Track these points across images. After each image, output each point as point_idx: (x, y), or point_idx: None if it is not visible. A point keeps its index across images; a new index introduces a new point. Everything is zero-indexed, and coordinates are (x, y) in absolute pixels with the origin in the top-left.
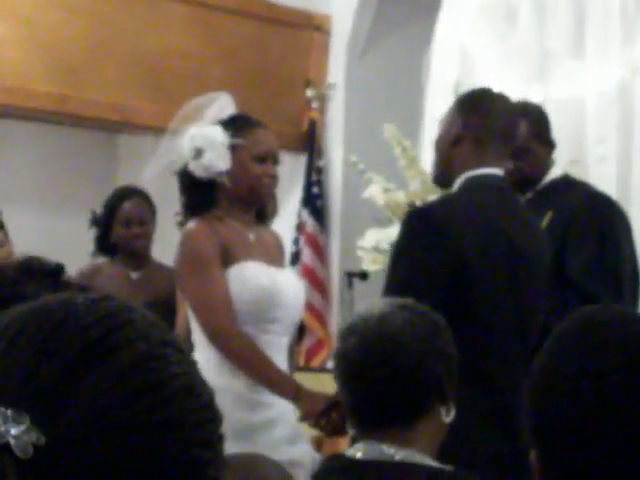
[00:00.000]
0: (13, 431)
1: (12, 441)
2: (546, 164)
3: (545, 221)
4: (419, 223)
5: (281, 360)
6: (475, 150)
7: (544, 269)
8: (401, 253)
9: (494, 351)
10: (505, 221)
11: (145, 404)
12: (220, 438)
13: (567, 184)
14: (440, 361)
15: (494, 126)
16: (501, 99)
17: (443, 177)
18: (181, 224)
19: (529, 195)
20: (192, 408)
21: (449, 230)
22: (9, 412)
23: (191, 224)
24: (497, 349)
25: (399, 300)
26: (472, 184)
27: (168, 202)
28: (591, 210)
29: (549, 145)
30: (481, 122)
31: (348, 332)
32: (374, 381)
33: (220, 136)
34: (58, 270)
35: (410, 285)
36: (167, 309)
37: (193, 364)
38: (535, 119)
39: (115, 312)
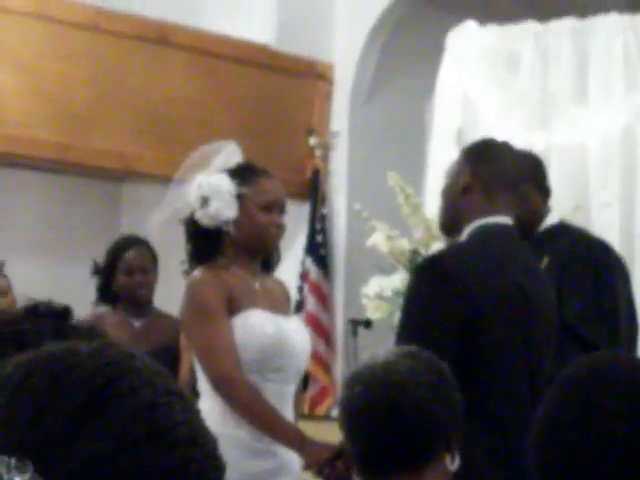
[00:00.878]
0: None
1: None
2: (542, 211)
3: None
4: (431, 272)
5: (287, 409)
6: (484, 199)
7: (553, 316)
8: (413, 302)
9: (504, 396)
10: (516, 269)
11: (149, 453)
12: None
13: (563, 230)
14: (445, 408)
15: (502, 175)
16: (507, 148)
17: (451, 226)
18: (187, 273)
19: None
20: (196, 457)
21: (461, 279)
22: (13, 461)
23: (196, 273)
24: (507, 394)
25: (403, 348)
26: (482, 232)
27: (172, 250)
28: (586, 254)
29: (545, 193)
30: (489, 171)
31: (353, 380)
32: (380, 429)
33: (227, 185)
34: (65, 312)
35: (422, 334)
36: (170, 357)
37: (197, 412)
38: (531, 166)
39: (118, 360)
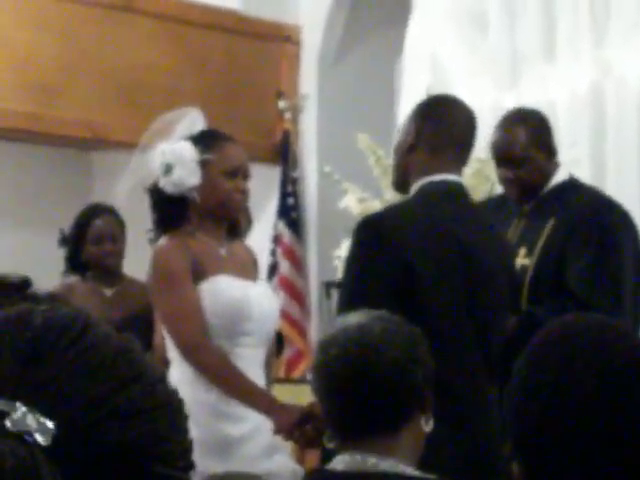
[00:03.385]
0: (29, 420)
1: (34, 428)
2: (547, 171)
3: (548, 228)
4: (367, 233)
5: (257, 373)
6: (430, 157)
7: (506, 278)
8: (351, 262)
9: (451, 359)
10: (458, 227)
11: (136, 391)
12: (189, 429)
13: (572, 187)
14: (420, 369)
15: (449, 133)
16: (458, 105)
17: (401, 184)
18: (152, 241)
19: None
20: (170, 397)
21: (398, 240)
22: (18, 404)
23: (162, 241)
24: (454, 358)
25: (375, 312)
26: (426, 190)
27: (141, 218)
28: (593, 216)
29: (549, 152)
30: (435, 130)
31: (327, 344)
32: (357, 391)
33: (190, 152)
34: (23, 284)
35: (359, 297)
36: (143, 325)
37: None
38: (533, 126)
39: (79, 315)
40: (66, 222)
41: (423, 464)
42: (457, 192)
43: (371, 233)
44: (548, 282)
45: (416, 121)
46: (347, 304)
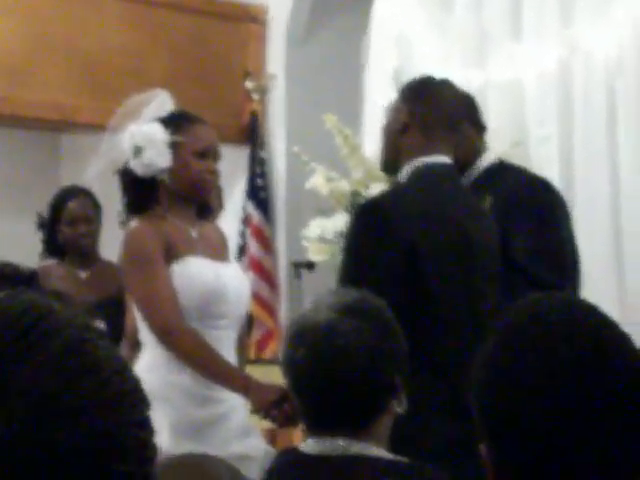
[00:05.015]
0: None
1: None
2: (477, 147)
3: (485, 206)
4: (369, 217)
5: (230, 354)
6: (422, 138)
7: (494, 256)
8: (353, 247)
9: (448, 340)
10: (454, 209)
11: (87, 387)
12: (151, 421)
13: (503, 169)
14: (391, 362)
15: (440, 113)
16: (447, 86)
17: (391, 165)
18: (123, 223)
19: (466, 180)
20: (126, 390)
21: (399, 221)
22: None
23: (133, 223)
24: (451, 338)
25: (346, 299)
26: (421, 173)
27: (112, 201)
28: (529, 193)
29: (480, 128)
30: (427, 110)
31: (296, 340)
32: (325, 394)
33: (159, 133)
34: (31, 276)
35: (363, 280)
36: (118, 306)
37: (115, 348)
38: (464, 102)
39: (37, 303)
40: (34, 205)
41: (417, 443)
42: (449, 174)
43: (373, 217)
44: None
45: (408, 102)
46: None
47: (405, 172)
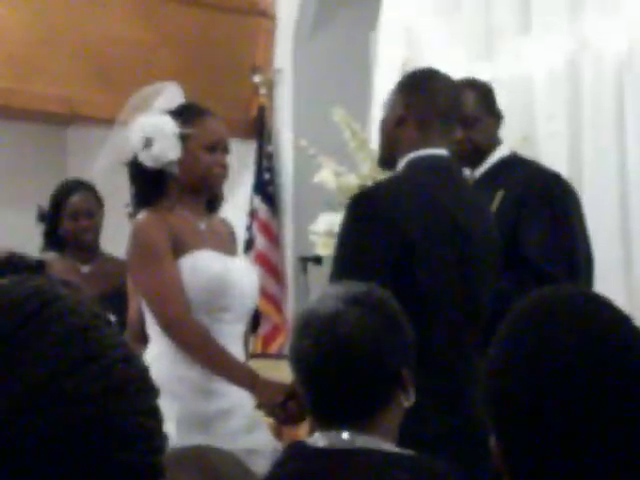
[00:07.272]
0: None
1: None
2: (495, 136)
3: (497, 200)
4: (362, 207)
5: (237, 349)
6: (418, 130)
7: (492, 249)
8: (346, 238)
9: (444, 331)
10: (449, 201)
11: (87, 373)
12: (159, 409)
13: (516, 162)
14: (397, 353)
15: (436, 106)
16: (443, 78)
17: (388, 158)
18: (131, 216)
19: (477, 175)
20: (132, 377)
21: (393, 212)
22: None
23: (141, 216)
24: (447, 330)
25: (353, 290)
26: (416, 165)
27: (118, 194)
28: (543, 188)
29: (497, 117)
30: (423, 102)
31: (302, 331)
32: (332, 384)
33: (169, 126)
34: (39, 265)
35: (357, 270)
36: (119, 301)
37: (122, 337)
38: (483, 91)
39: (44, 288)
40: (41, 198)
41: (408, 433)
42: (447, 166)
43: (367, 208)
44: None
45: (403, 94)
46: (341, 279)
47: (401, 166)
